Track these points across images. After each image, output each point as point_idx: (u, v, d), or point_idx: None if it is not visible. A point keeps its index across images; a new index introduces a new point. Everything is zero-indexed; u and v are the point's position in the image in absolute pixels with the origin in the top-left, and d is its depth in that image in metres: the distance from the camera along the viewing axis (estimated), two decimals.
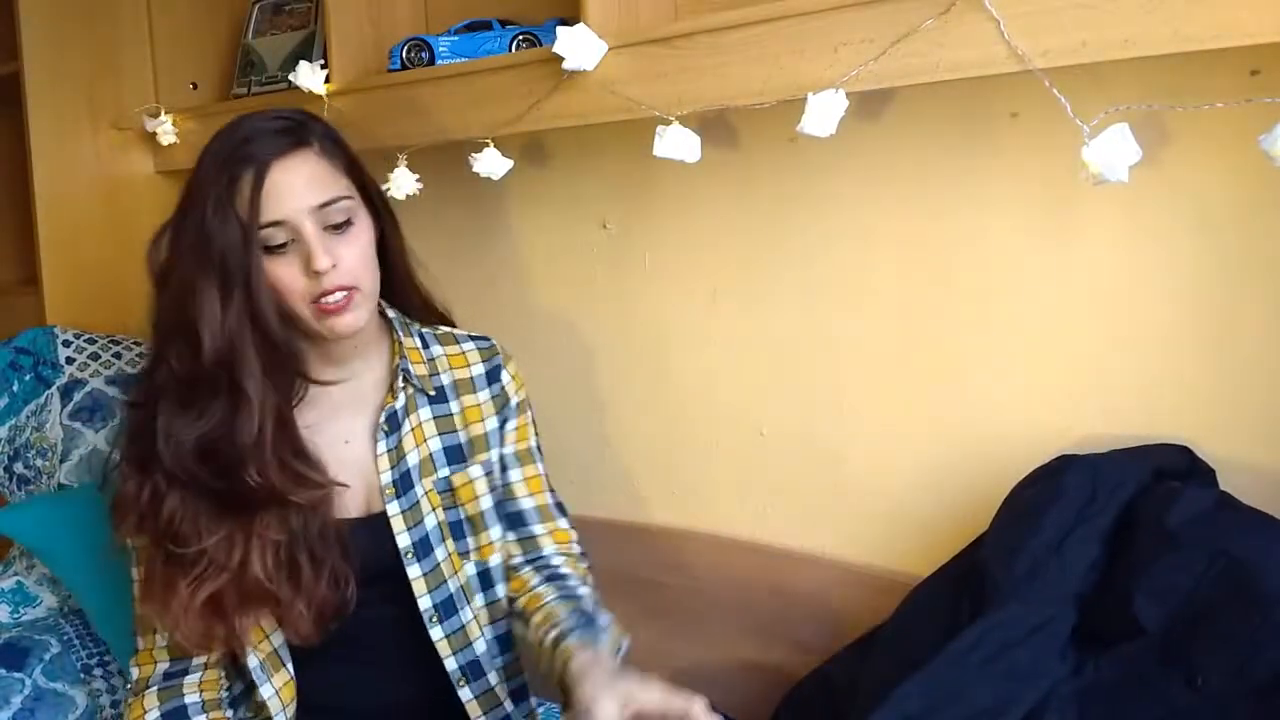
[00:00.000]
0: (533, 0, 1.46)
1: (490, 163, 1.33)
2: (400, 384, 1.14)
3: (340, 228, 1.03)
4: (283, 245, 1.01)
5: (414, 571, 1.10)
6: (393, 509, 1.11)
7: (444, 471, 1.15)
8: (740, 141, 1.36)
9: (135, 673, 1.11)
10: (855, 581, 1.31)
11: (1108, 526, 1.00)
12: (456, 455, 1.16)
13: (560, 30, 1.17)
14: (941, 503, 1.26)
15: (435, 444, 1.15)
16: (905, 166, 1.24)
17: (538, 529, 1.18)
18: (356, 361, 1.14)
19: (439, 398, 1.17)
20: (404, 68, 1.41)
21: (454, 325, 1.26)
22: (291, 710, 1.09)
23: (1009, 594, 0.98)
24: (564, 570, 1.17)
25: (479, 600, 1.15)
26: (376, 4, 1.56)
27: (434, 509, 1.13)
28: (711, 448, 1.47)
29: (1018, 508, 1.06)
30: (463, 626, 1.13)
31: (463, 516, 1.15)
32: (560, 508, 1.22)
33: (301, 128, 1.05)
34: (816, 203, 1.31)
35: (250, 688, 1.10)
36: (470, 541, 1.15)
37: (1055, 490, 1.02)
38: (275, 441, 1.03)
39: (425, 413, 1.15)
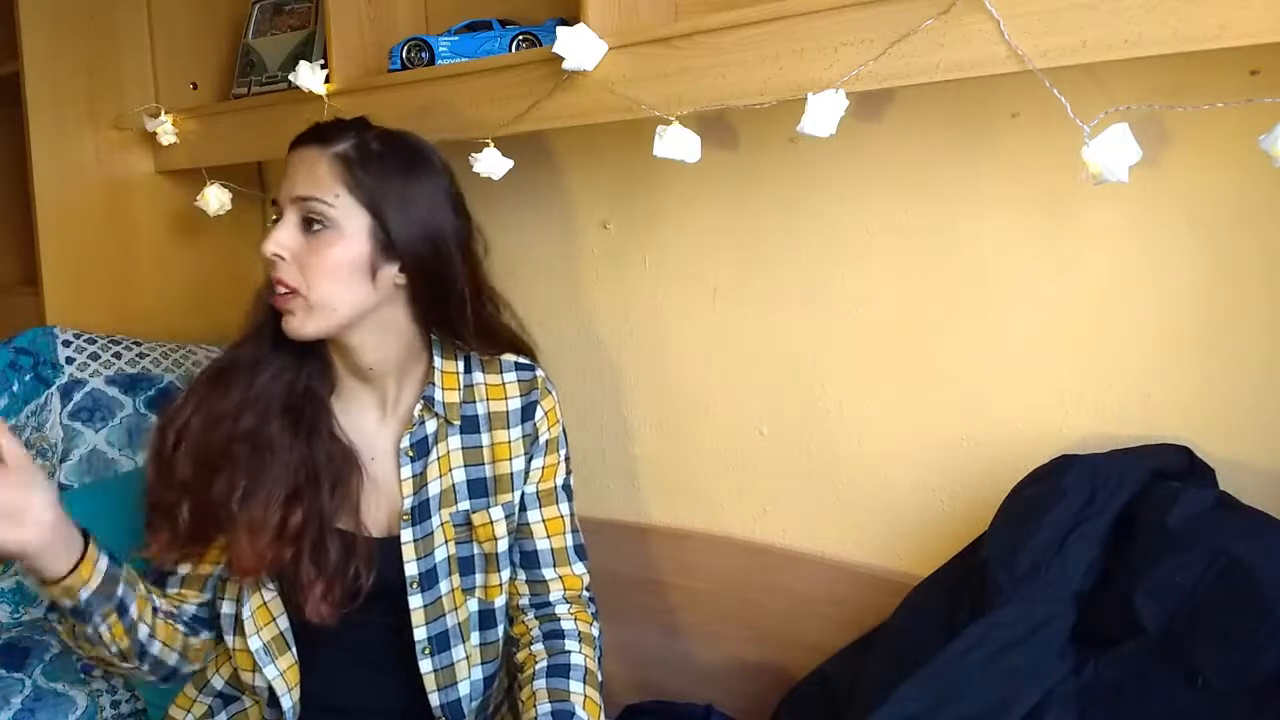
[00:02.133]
0: (533, 0, 1.46)
1: (490, 163, 1.33)
2: (420, 411, 1.13)
3: (312, 228, 1.05)
4: (275, 224, 1.06)
5: (415, 602, 1.10)
6: (406, 536, 1.10)
7: (464, 505, 1.14)
8: (740, 141, 1.36)
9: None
10: (855, 581, 1.31)
11: (1108, 526, 1.00)
12: (480, 489, 1.15)
13: (560, 30, 1.17)
14: (941, 503, 1.26)
15: (460, 475, 1.14)
16: (905, 166, 1.24)
17: (549, 573, 1.18)
18: (384, 383, 1.13)
19: (470, 427, 1.15)
20: (404, 68, 1.41)
21: (523, 352, 1.22)
22: (296, 694, 1.09)
23: (1009, 594, 0.98)
24: (565, 625, 1.17)
25: (474, 639, 1.14)
26: (376, 4, 1.56)
27: (446, 541, 1.12)
28: (711, 448, 1.47)
29: (1018, 508, 1.06)
30: (452, 664, 1.12)
31: (475, 552, 1.15)
32: (579, 550, 1.21)
33: (339, 130, 1.08)
34: (816, 203, 1.31)
35: (230, 690, 1.13)
36: (478, 578, 1.15)
37: (1055, 490, 1.02)
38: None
39: (455, 441, 1.14)
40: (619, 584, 1.50)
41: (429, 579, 1.11)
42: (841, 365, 1.33)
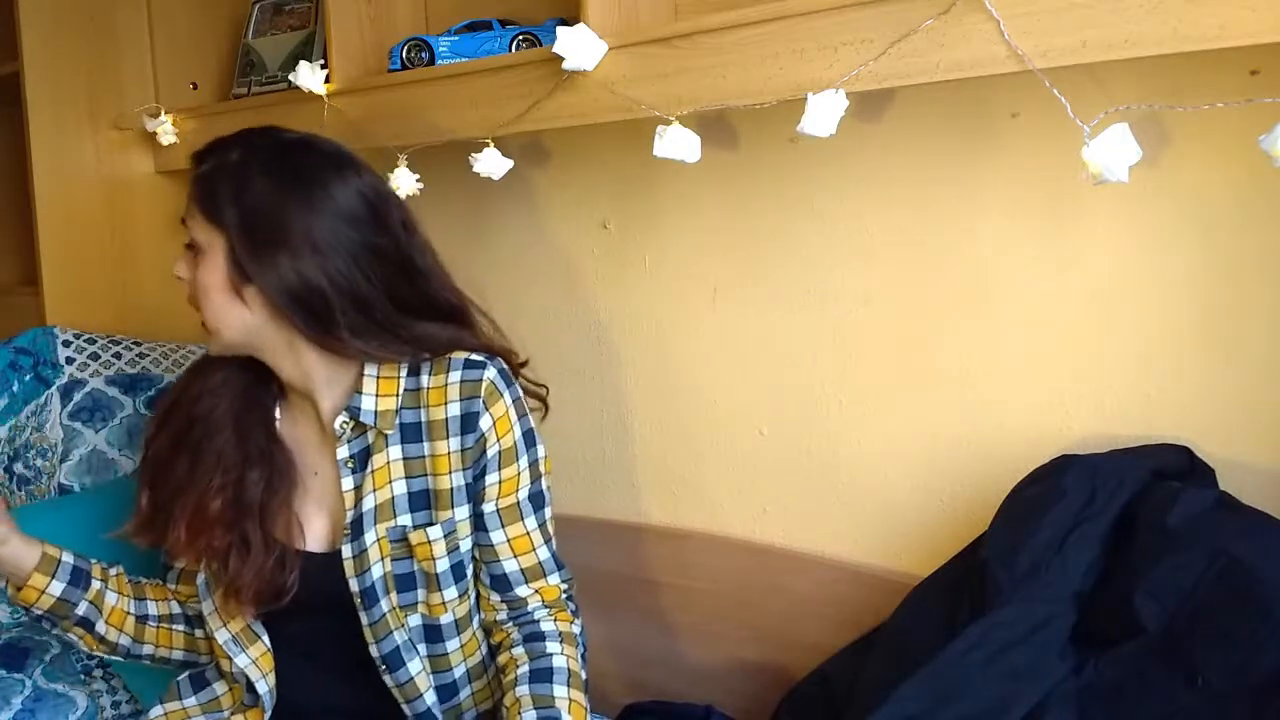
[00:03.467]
0: (533, 0, 1.46)
1: (490, 163, 1.33)
2: (343, 423, 1.08)
3: (193, 251, 1.08)
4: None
5: (364, 619, 1.08)
6: (345, 551, 1.07)
7: (403, 519, 1.08)
8: (740, 141, 1.36)
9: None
10: (855, 581, 1.31)
11: (1108, 526, 1.00)
12: (420, 502, 1.08)
13: (560, 30, 1.17)
14: (941, 503, 1.26)
15: (400, 487, 1.08)
16: (905, 166, 1.24)
17: (522, 590, 1.11)
18: (320, 394, 1.10)
19: (412, 435, 1.08)
20: (404, 68, 1.41)
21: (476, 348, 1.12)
22: (271, 680, 1.11)
23: (1009, 594, 0.98)
24: (544, 627, 1.10)
25: (423, 650, 1.10)
26: (376, 4, 1.56)
27: (383, 558, 1.07)
28: (711, 448, 1.47)
29: (1018, 508, 1.06)
30: (411, 678, 1.09)
31: (415, 569, 1.09)
32: (553, 560, 1.13)
33: (213, 149, 1.08)
34: (816, 203, 1.31)
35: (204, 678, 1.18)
36: (420, 594, 1.10)
37: (1055, 490, 1.02)
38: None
39: (395, 451, 1.08)
40: (618, 584, 1.50)
41: (370, 596, 1.07)
42: (841, 365, 1.32)
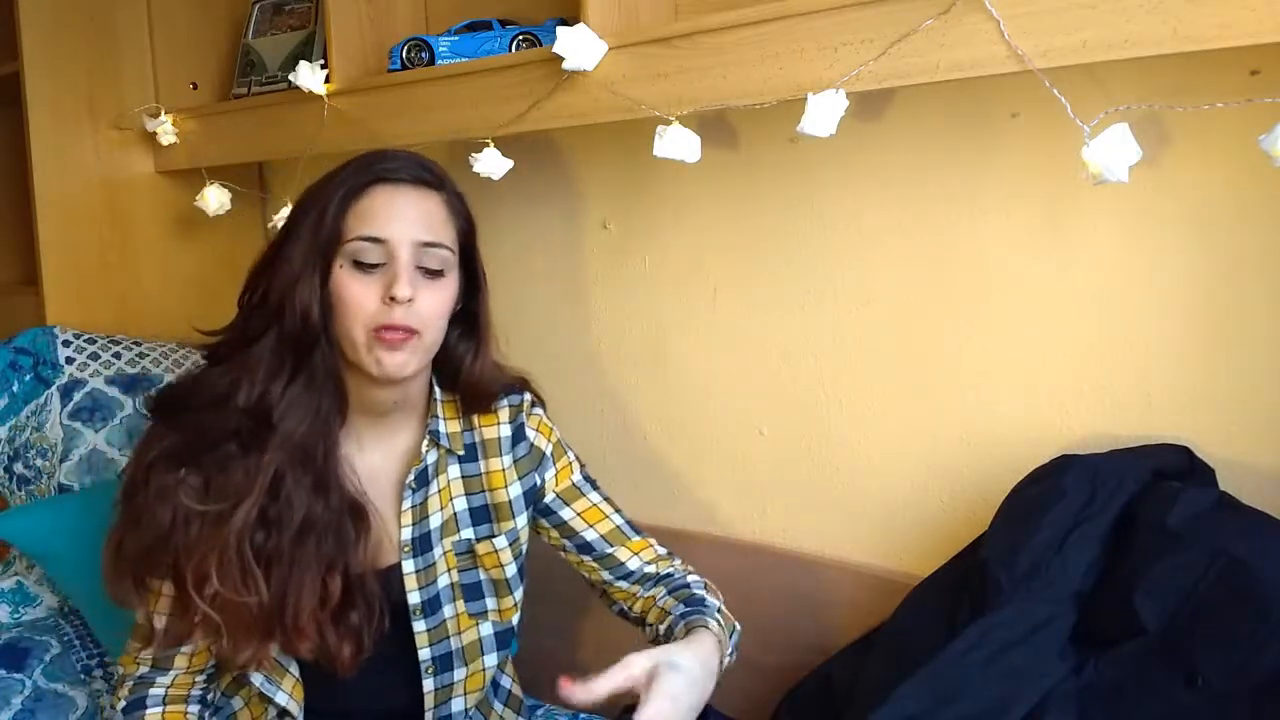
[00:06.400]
0: (533, 0, 1.46)
1: (490, 163, 1.33)
2: (426, 445, 1.12)
3: (432, 274, 1.04)
4: (373, 265, 1.01)
5: (419, 626, 1.10)
6: (408, 566, 1.10)
7: (467, 533, 1.13)
8: (740, 141, 1.36)
9: (119, 671, 1.12)
10: (855, 581, 1.31)
11: (1108, 526, 1.00)
12: (482, 516, 1.14)
13: (560, 30, 1.17)
14: (941, 503, 1.26)
15: (461, 504, 1.14)
16: (905, 166, 1.24)
17: (614, 550, 1.17)
18: (393, 417, 1.12)
19: (469, 456, 1.15)
20: (404, 68, 1.41)
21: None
22: (302, 702, 1.09)
23: (1009, 594, 0.98)
24: (660, 571, 1.16)
25: (491, 660, 1.14)
26: (376, 4, 1.56)
27: (449, 569, 1.12)
28: (711, 448, 1.47)
29: (1018, 508, 1.06)
30: (452, 683, 1.12)
31: (482, 578, 1.14)
32: (630, 526, 1.19)
33: (436, 177, 1.08)
34: (816, 203, 1.32)
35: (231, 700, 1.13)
36: (490, 603, 1.14)
37: (1055, 490, 1.02)
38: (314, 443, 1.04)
39: (454, 471, 1.14)
40: None
41: (432, 605, 1.11)
42: (841, 365, 1.33)
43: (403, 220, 1.02)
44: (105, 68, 1.82)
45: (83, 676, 1.42)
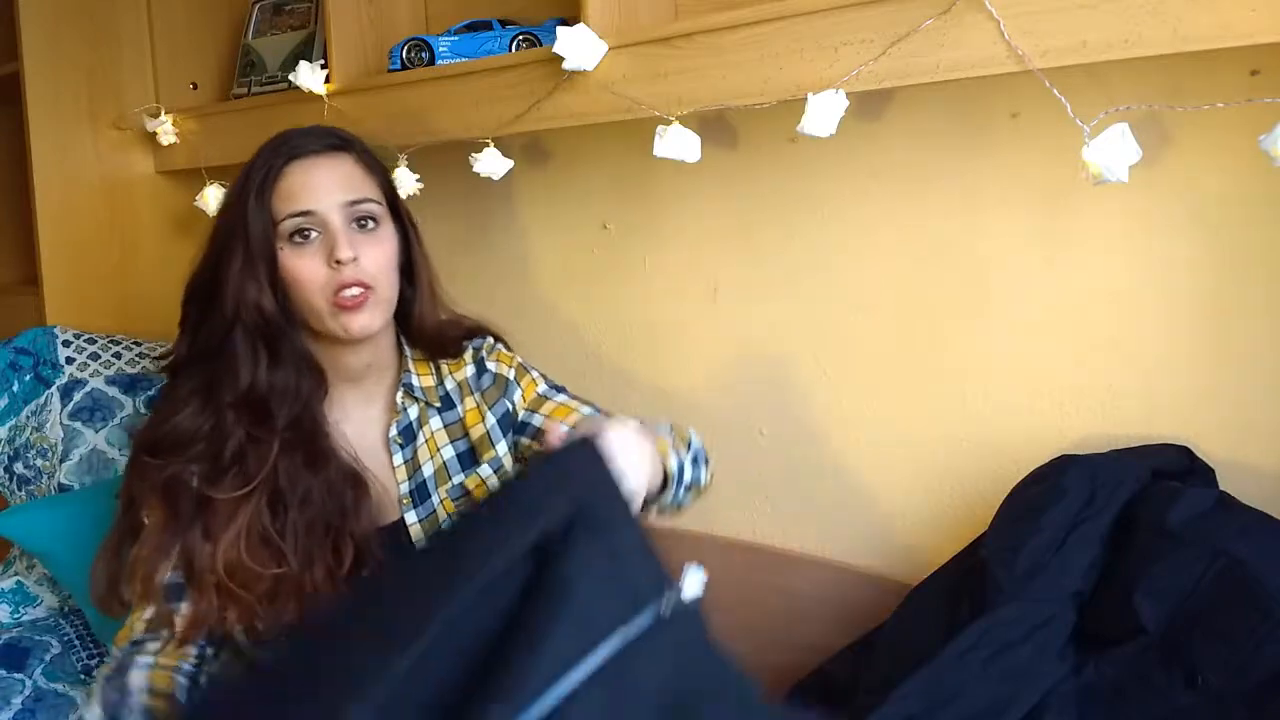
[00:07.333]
0: (533, 0, 1.46)
1: (490, 163, 1.33)
2: (402, 399, 1.15)
3: (366, 227, 1.07)
4: (308, 236, 1.05)
5: None
6: (410, 518, 1.14)
7: (458, 478, 1.17)
8: (740, 141, 1.36)
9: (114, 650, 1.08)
10: (855, 581, 1.31)
11: (1107, 526, 1.00)
12: (468, 460, 1.18)
13: (560, 30, 1.17)
14: (941, 503, 1.26)
15: (448, 451, 1.17)
16: (905, 166, 1.24)
17: None
18: (369, 379, 1.15)
19: (447, 405, 1.18)
20: (404, 68, 1.41)
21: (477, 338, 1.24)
22: None
23: (1009, 594, 0.98)
24: None
25: None
26: (376, 4, 1.56)
27: (450, 515, 1.16)
28: (711, 448, 1.47)
29: (1018, 508, 1.06)
30: None
31: None
32: (599, 413, 1.21)
33: (342, 139, 1.11)
34: (816, 202, 1.31)
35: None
36: None
37: (1055, 490, 1.02)
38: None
39: (436, 422, 1.18)
40: None
41: None
42: (841, 365, 1.33)
43: (323, 187, 1.06)
44: (105, 68, 1.83)
45: (83, 676, 1.42)
